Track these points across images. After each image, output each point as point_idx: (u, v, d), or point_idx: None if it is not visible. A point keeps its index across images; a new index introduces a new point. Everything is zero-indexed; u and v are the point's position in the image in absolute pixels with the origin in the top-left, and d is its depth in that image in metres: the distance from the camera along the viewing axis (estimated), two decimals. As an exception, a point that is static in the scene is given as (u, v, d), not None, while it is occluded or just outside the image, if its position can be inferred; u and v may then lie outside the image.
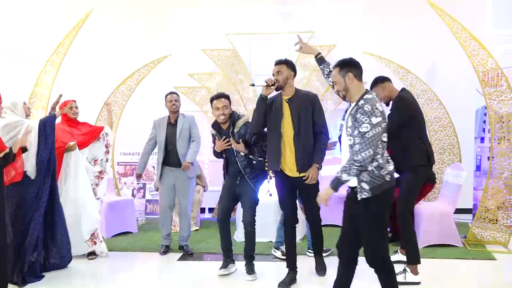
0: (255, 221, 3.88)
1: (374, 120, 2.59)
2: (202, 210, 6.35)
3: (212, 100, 3.92)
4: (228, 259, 3.99)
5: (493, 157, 4.73)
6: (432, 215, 4.75)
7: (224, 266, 3.97)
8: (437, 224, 4.72)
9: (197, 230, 5.69)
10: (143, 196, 6.40)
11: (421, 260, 4.25)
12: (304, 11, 6.69)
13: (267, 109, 3.61)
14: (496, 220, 4.76)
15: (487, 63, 4.77)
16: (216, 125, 3.97)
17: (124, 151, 6.30)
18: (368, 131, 2.59)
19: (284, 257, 4.02)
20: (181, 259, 4.47)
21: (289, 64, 3.62)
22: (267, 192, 5.11)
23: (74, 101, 4.52)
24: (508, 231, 4.71)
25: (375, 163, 2.64)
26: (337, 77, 2.80)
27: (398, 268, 3.55)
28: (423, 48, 6.39)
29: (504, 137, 4.74)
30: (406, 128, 3.68)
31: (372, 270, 2.74)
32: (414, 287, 3.56)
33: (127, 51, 6.73)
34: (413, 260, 3.58)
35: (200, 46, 6.51)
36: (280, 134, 3.57)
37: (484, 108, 5.25)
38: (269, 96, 3.62)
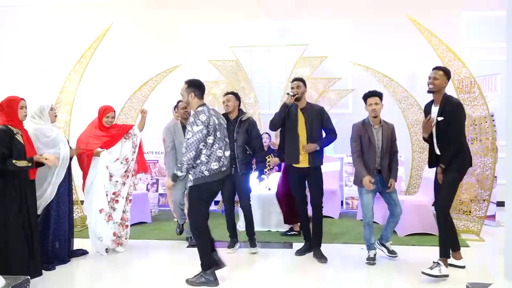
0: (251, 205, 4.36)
1: (195, 128, 3.12)
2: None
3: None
4: (234, 239, 4.41)
5: (466, 156, 4.83)
6: (412, 207, 4.87)
7: (232, 245, 4.36)
8: (417, 215, 4.84)
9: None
10: (156, 190, 6.54)
11: (402, 247, 4.32)
12: (298, 26, 6.87)
13: (285, 114, 4.02)
14: (470, 212, 4.89)
15: (462, 72, 4.89)
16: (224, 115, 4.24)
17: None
18: (190, 138, 3.12)
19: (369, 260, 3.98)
20: (189, 246, 4.59)
21: (304, 82, 4.08)
22: (266, 187, 5.24)
23: (114, 110, 4.29)
24: (480, 222, 4.83)
25: (198, 161, 3.19)
26: (183, 92, 3.33)
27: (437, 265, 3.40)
28: (405, 59, 6.52)
29: (476, 138, 4.87)
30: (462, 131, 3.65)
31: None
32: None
33: (142, 62, 6.89)
34: (444, 253, 3.53)
35: (207, 57, 6.66)
36: (297, 136, 3.99)
37: (459, 112, 5.34)
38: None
